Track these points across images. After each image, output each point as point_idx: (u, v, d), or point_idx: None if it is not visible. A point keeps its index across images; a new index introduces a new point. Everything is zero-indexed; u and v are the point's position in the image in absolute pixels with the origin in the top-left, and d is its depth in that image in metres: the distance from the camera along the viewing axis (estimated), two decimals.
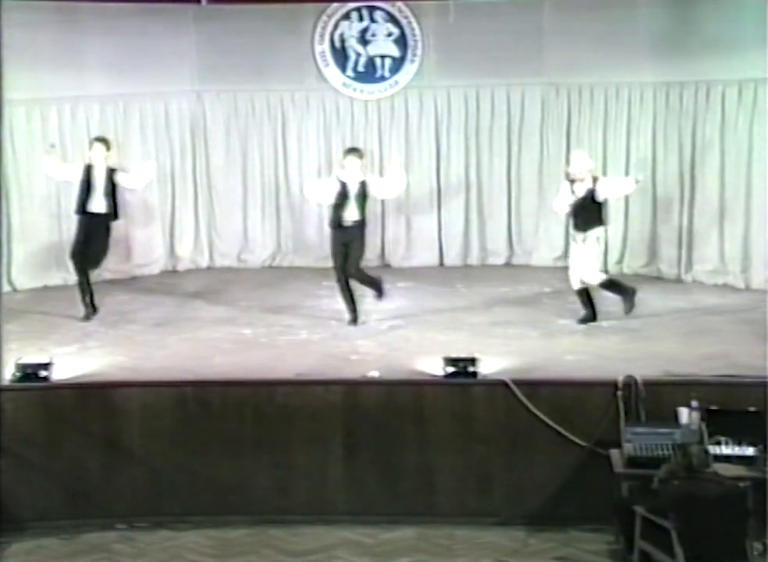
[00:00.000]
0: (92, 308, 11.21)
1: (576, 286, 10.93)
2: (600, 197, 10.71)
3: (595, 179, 10.77)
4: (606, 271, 11.40)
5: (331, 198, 10.97)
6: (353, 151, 11.21)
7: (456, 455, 8.97)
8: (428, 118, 13.74)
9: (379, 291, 11.15)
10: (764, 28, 11.07)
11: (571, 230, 10.99)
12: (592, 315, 10.87)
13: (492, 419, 8.92)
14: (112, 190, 11.04)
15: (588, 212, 10.71)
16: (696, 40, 12.19)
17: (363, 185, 10.91)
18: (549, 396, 8.90)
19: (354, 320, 11.00)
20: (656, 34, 12.51)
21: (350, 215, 10.87)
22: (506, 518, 8.92)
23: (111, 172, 11.04)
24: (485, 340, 10.24)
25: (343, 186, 10.91)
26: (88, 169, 11.06)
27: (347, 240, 10.92)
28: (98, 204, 11.02)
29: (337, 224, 10.95)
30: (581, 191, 10.73)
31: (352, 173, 10.94)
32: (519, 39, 13.22)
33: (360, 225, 10.94)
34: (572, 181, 10.81)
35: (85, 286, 11.24)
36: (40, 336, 10.55)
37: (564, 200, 10.92)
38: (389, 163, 11.44)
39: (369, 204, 11.07)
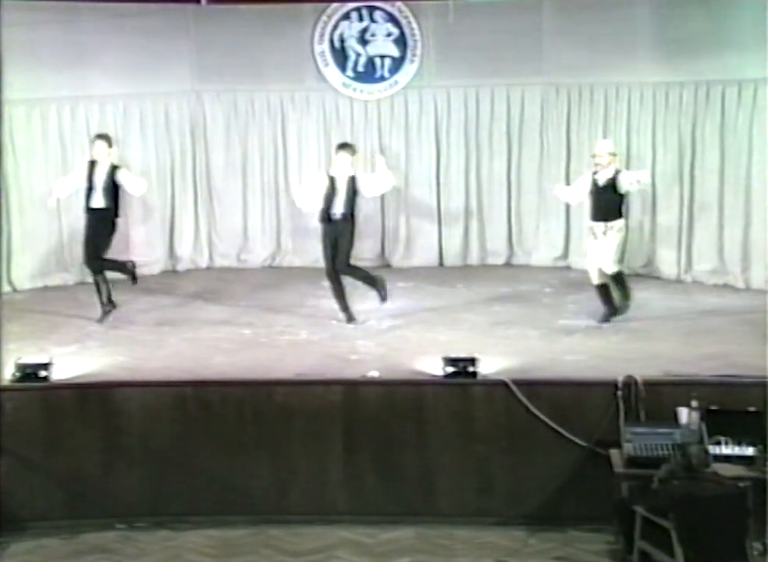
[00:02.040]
0: (111, 305, 11.12)
1: (595, 280, 10.85)
2: (622, 187, 10.66)
3: (617, 171, 10.74)
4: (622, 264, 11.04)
5: (321, 194, 10.99)
6: (344, 146, 11.23)
7: (456, 455, 8.96)
8: (428, 118, 13.74)
9: (380, 292, 11.11)
10: (764, 28, 11.07)
11: (589, 222, 10.87)
12: (612, 311, 10.78)
13: (492, 419, 8.92)
14: (112, 187, 11.00)
15: (609, 202, 10.66)
16: (696, 40, 12.18)
17: (352, 180, 10.93)
18: (549, 397, 8.90)
19: (350, 319, 11.01)
20: (656, 34, 12.51)
21: (338, 208, 10.90)
22: (506, 518, 8.92)
23: (113, 169, 11.02)
24: (485, 340, 10.24)
25: (332, 180, 10.95)
26: (91, 166, 11.05)
27: (336, 235, 10.95)
28: (98, 200, 10.99)
29: (326, 218, 10.99)
30: (602, 180, 10.70)
31: (342, 168, 10.97)
32: (519, 39, 13.21)
33: (348, 219, 10.93)
34: (594, 172, 10.78)
35: (100, 285, 11.13)
36: (40, 336, 10.54)
37: (581, 188, 10.90)
38: (376, 162, 11.40)
39: (359, 201, 11.05)
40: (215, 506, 9.03)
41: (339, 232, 10.93)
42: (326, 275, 11.15)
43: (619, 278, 10.88)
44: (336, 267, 11.00)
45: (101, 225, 11.05)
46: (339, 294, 11.08)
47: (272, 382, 9.17)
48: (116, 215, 11.12)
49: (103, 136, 11.23)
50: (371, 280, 11.15)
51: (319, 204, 11.03)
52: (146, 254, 13.35)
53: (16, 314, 10.83)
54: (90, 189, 11.02)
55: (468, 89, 13.59)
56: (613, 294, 10.89)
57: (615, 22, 12.70)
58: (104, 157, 11.03)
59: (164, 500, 9.05)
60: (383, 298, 11.10)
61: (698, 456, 7.59)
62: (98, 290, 11.18)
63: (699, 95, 12.49)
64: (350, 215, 10.95)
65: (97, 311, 11.21)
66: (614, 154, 10.88)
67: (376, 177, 11.28)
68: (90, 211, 11.06)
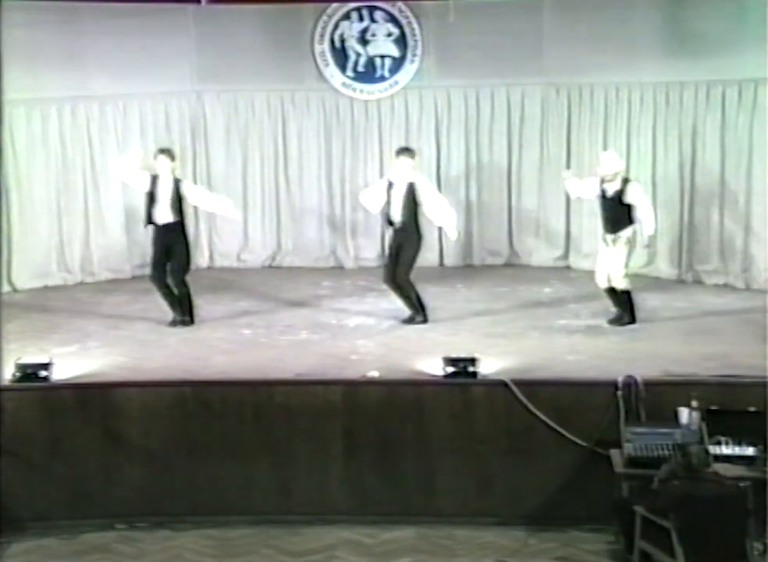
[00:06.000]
0: (189, 317, 11.00)
1: (602, 285, 10.79)
2: (627, 199, 10.59)
3: (625, 181, 10.65)
4: (629, 277, 10.87)
5: (382, 200, 10.97)
6: (404, 150, 11.13)
7: (456, 455, 8.96)
8: (428, 118, 13.75)
9: (422, 317, 10.96)
10: (764, 28, 11.08)
11: (601, 231, 10.85)
12: (621, 316, 10.73)
13: (492, 419, 8.92)
14: (178, 201, 10.84)
15: (617, 213, 10.60)
16: (696, 40, 12.18)
17: (411, 186, 10.81)
18: (549, 397, 8.90)
19: (424, 320, 10.95)
20: (656, 34, 12.51)
21: (395, 215, 10.86)
22: (506, 518, 8.92)
23: (177, 182, 10.88)
24: (485, 340, 10.24)
25: (390, 185, 10.90)
26: (154, 180, 10.85)
27: (398, 244, 10.92)
28: (163, 214, 10.81)
29: (387, 223, 11.03)
30: (610, 192, 10.63)
31: (401, 173, 10.87)
32: (519, 39, 13.22)
33: (407, 229, 10.81)
34: (602, 180, 10.74)
35: (171, 298, 10.99)
36: (40, 336, 10.54)
37: (588, 189, 10.87)
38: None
39: (420, 209, 10.85)
40: (215, 506, 9.03)
41: (400, 242, 10.90)
42: (383, 281, 11.15)
43: (627, 296, 10.76)
44: (395, 278, 10.94)
45: (171, 239, 10.88)
46: (405, 297, 11.01)
47: (272, 382, 9.17)
48: (183, 227, 10.94)
49: (165, 151, 11.01)
50: (419, 304, 11.01)
51: (382, 209, 11.01)
52: (146, 254, 13.31)
53: (15, 314, 10.85)
54: (151, 203, 10.83)
55: (468, 89, 13.60)
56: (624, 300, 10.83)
57: (615, 22, 12.71)
58: (168, 172, 10.86)
59: (164, 500, 9.05)
60: (422, 322, 10.97)
61: (699, 456, 7.58)
62: (170, 303, 11.00)
63: (699, 95, 12.48)
64: (410, 224, 10.80)
65: (97, 311, 11.23)
66: (619, 168, 10.74)
67: (440, 206, 10.99)
68: (156, 227, 10.90)
